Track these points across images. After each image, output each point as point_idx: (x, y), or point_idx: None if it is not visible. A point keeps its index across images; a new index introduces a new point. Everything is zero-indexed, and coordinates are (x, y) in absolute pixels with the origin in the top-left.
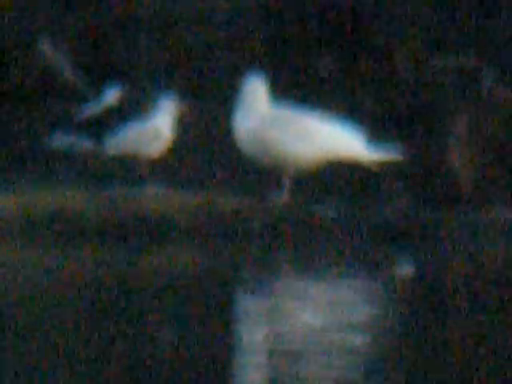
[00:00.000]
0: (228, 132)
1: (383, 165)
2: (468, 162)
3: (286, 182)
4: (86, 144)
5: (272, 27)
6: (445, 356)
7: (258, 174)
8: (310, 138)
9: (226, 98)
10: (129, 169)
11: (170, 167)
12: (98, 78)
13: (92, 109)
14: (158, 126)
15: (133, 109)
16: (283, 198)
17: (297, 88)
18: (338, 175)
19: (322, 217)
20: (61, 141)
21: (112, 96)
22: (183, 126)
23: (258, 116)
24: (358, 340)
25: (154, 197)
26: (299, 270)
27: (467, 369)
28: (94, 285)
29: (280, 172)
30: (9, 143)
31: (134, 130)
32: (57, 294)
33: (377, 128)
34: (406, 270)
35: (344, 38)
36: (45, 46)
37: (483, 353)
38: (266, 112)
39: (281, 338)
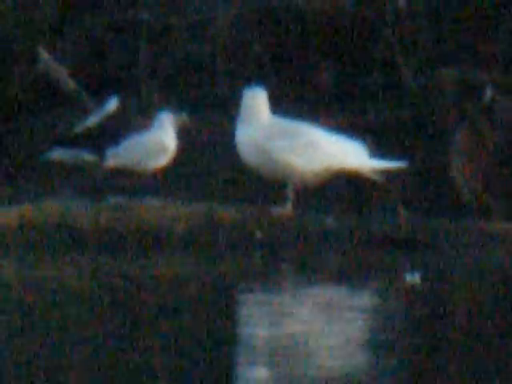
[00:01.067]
0: (230, 143)
1: (386, 175)
2: (470, 172)
3: (289, 193)
4: (86, 155)
5: (273, 38)
6: (450, 363)
7: (260, 184)
8: (313, 149)
9: (228, 108)
10: (130, 179)
11: (172, 178)
12: (98, 89)
13: (92, 119)
14: (162, 139)
15: (133, 120)
16: (286, 208)
17: (298, 99)
18: (341, 185)
19: (325, 227)
20: (61, 152)
21: (112, 106)
22: (185, 136)
23: (259, 127)
24: (362, 347)
25: (156, 207)
26: (302, 280)
27: (471, 375)
28: (94, 294)
29: (283, 183)
30: (9, 154)
31: (137, 142)
32: (57, 304)
33: (379, 139)
34: (411, 279)
35: (346, 49)
36: (45, 57)
37: (487, 359)
38: (268, 123)
39: (282, 345)
